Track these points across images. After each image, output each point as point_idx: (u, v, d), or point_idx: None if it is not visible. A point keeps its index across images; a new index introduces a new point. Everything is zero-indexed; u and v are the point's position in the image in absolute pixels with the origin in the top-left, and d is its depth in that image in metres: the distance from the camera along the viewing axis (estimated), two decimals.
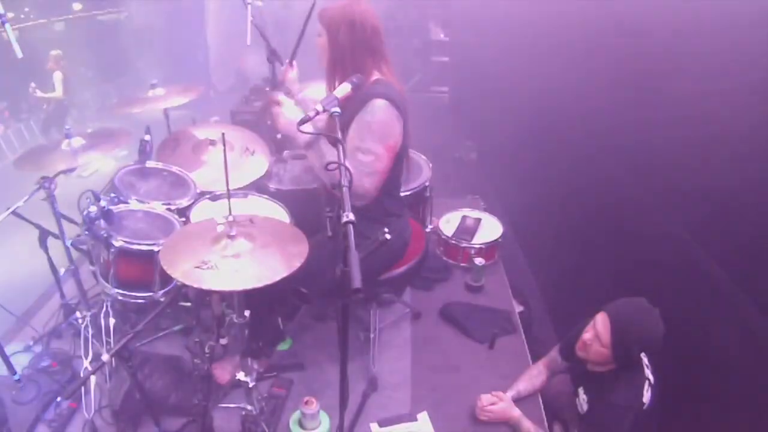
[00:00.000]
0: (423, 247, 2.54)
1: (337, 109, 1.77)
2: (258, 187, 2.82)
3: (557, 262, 3.53)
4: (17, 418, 2.28)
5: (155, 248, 2.35)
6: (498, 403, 2.33)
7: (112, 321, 2.48)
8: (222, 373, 2.43)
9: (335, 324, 1.90)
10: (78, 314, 2.66)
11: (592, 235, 3.01)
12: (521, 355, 2.77)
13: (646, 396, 1.98)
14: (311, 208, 2.52)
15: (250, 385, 2.09)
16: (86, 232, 2.40)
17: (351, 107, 2.04)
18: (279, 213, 2.61)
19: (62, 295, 2.75)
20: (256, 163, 2.85)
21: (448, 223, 3.49)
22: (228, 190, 1.84)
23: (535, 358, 2.63)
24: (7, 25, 2.06)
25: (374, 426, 2.34)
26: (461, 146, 5.78)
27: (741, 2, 1.96)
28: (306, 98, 2.61)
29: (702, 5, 2.14)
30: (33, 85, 6.06)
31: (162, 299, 2.42)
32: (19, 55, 2.07)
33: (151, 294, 2.45)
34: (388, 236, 1.60)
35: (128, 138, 2.58)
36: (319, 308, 2.90)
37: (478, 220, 3.51)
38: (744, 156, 1.86)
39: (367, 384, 2.52)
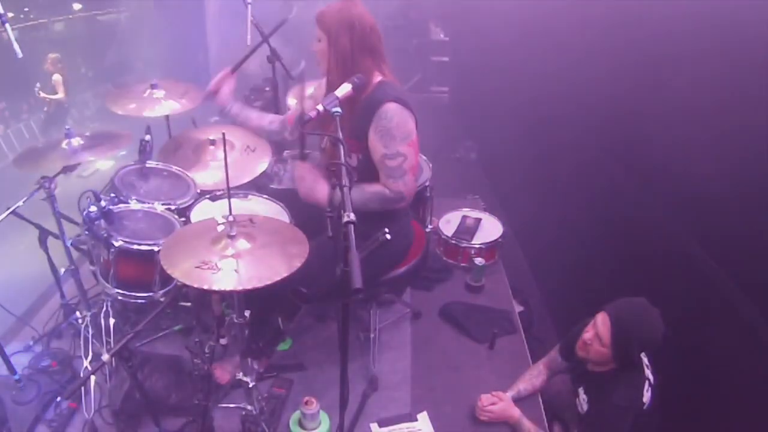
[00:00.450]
0: (423, 247, 2.54)
1: (338, 109, 1.78)
2: (258, 186, 2.82)
3: (557, 262, 3.53)
4: (17, 418, 2.28)
5: (155, 248, 2.35)
6: (498, 403, 2.33)
7: (112, 321, 2.48)
8: (222, 373, 2.43)
9: (335, 324, 1.90)
10: (78, 314, 2.66)
11: (592, 235, 3.01)
12: (521, 355, 2.77)
13: (646, 396, 1.98)
14: (311, 208, 2.51)
15: (250, 385, 2.09)
16: (86, 232, 2.40)
17: (359, 112, 2.04)
18: (279, 213, 2.61)
19: (62, 295, 2.75)
20: (257, 162, 2.84)
21: (448, 223, 3.49)
22: (228, 190, 1.84)
23: (535, 358, 2.63)
24: (7, 25, 2.05)
25: (374, 426, 2.34)
26: (461, 146, 5.78)
27: (742, 4, 1.96)
28: (241, 113, 2.77)
29: (703, 7, 2.14)
30: (38, 85, 6.09)
31: (162, 299, 2.42)
32: (19, 55, 2.07)
33: (151, 294, 2.44)
34: (388, 236, 1.60)
35: (129, 140, 2.57)
36: (319, 308, 2.90)
37: (478, 220, 3.51)
38: (744, 156, 1.86)
39: (367, 384, 2.52)
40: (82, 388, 2.28)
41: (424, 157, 3.22)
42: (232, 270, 1.72)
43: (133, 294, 2.44)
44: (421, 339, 2.87)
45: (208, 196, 2.68)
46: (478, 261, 3.16)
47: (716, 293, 1.99)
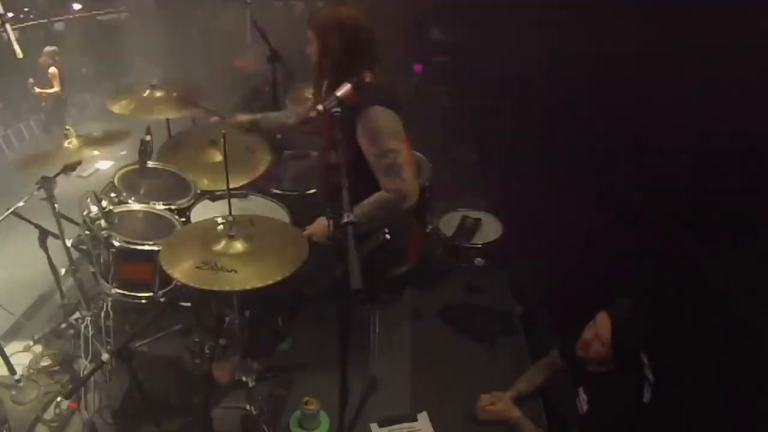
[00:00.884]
0: (423, 247, 2.54)
1: (338, 109, 1.78)
2: (258, 187, 2.82)
3: (557, 262, 3.53)
4: (17, 418, 2.28)
5: (155, 248, 2.35)
6: (498, 403, 2.33)
7: (112, 321, 2.48)
8: (222, 373, 2.42)
9: (335, 324, 1.90)
10: (78, 314, 2.66)
11: (592, 234, 3.01)
12: (521, 355, 2.77)
13: (646, 396, 1.98)
14: (311, 209, 2.52)
15: (250, 386, 2.09)
16: (86, 232, 2.40)
17: (349, 111, 2.04)
18: (279, 213, 2.61)
19: (62, 295, 2.75)
20: (257, 162, 2.84)
21: (448, 223, 3.49)
22: (228, 190, 1.85)
23: (535, 358, 2.63)
24: (7, 26, 2.06)
25: (374, 426, 2.34)
26: (461, 146, 5.77)
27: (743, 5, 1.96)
28: (263, 122, 2.73)
29: (703, 9, 2.14)
30: (31, 80, 6.04)
31: (162, 299, 2.42)
32: (20, 55, 2.07)
33: (151, 294, 2.44)
34: (387, 236, 1.60)
35: (128, 137, 2.57)
36: (319, 308, 2.89)
37: (478, 220, 3.51)
38: (744, 156, 1.86)
39: (367, 384, 2.52)
40: (82, 388, 2.27)
41: (424, 157, 3.22)
42: (231, 270, 1.72)
43: (133, 294, 2.44)
44: (421, 339, 2.87)
45: (208, 196, 2.68)
46: (478, 261, 3.15)
47: (716, 293, 1.99)
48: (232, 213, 1.93)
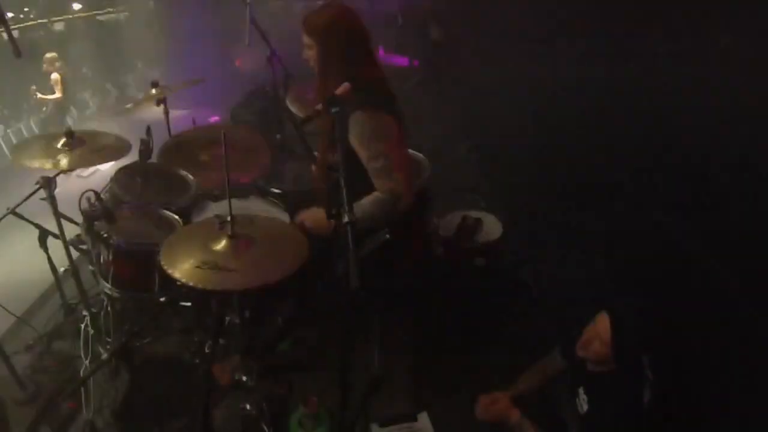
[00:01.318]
0: (423, 247, 2.54)
1: (337, 108, 1.78)
2: (258, 187, 2.82)
3: (558, 262, 3.53)
4: (17, 418, 2.28)
5: (155, 248, 2.35)
6: (498, 403, 2.33)
7: (112, 321, 2.47)
8: (222, 373, 2.42)
9: (335, 324, 1.90)
10: (78, 314, 2.66)
11: (592, 234, 3.01)
12: (521, 355, 2.76)
13: (646, 396, 1.98)
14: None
15: (250, 385, 2.09)
16: (86, 232, 2.40)
17: (342, 115, 2.05)
18: (279, 213, 2.61)
19: (62, 295, 2.75)
20: (257, 162, 2.84)
21: (448, 223, 3.48)
22: (228, 190, 1.84)
23: (536, 358, 2.63)
24: (6, 26, 2.06)
25: (374, 426, 2.34)
26: (461, 146, 5.78)
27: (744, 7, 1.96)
28: None
29: (704, 10, 2.14)
30: (33, 87, 6.06)
31: (162, 299, 2.42)
32: (18, 55, 2.07)
33: (151, 294, 2.44)
34: (387, 236, 1.60)
35: (129, 151, 2.57)
36: (319, 308, 2.89)
37: (478, 220, 3.51)
38: (744, 156, 1.86)
39: (367, 384, 2.52)
40: (82, 388, 2.27)
41: (424, 157, 3.22)
42: (232, 270, 1.72)
43: (133, 294, 2.44)
44: (421, 339, 2.87)
45: (208, 196, 2.68)
46: (478, 261, 3.15)
47: (716, 293, 1.99)
48: (232, 213, 1.93)
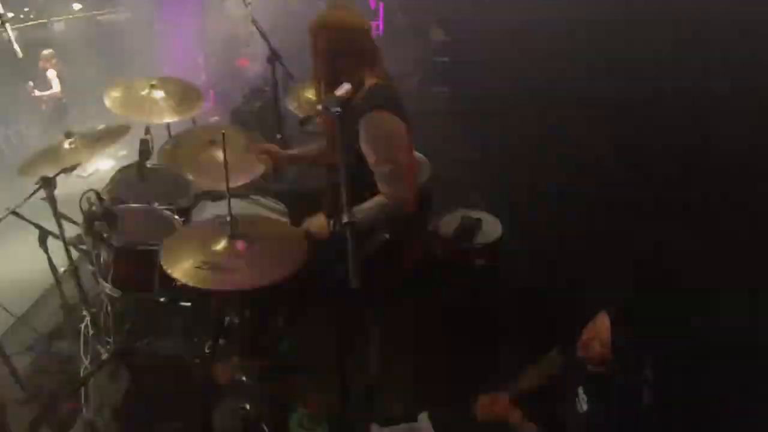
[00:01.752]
0: (423, 247, 2.54)
1: (338, 109, 1.78)
2: (258, 187, 2.82)
3: (557, 262, 3.53)
4: (17, 418, 2.28)
5: (155, 248, 2.35)
6: (498, 403, 2.33)
7: (112, 321, 2.47)
8: (222, 373, 2.42)
9: (335, 324, 1.91)
10: (78, 314, 2.66)
11: (592, 235, 3.01)
12: (521, 355, 2.76)
13: (646, 396, 1.98)
14: (311, 209, 2.52)
15: (250, 385, 2.09)
16: (86, 232, 2.40)
17: (350, 115, 2.04)
18: (279, 213, 2.61)
19: (62, 295, 2.75)
20: (257, 162, 2.84)
21: (448, 224, 3.48)
22: (228, 190, 1.85)
23: (536, 358, 2.63)
24: (7, 25, 2.06)
25: (374, 426, 2.34)
26: (461, 146, 5.77)
27: (745, 7, 1.96)
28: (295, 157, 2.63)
29: (703, 9, 2.14)
30: (31, 84, 6.05)
31: (162, 299, 2.42)
32: (20, 55, 2.07)
33: (151, 294, 2.44)
34: (387, 236, 1.61)
35: (127, 130, 2.57)
36: (319, 308, 2.89)
37: (478, 220, 3.51)
38: (744, 156, 1.86)
39: (368, 384, 2.52)
40: (82, 388, 2.28)
41: (424, 157, 3.21)
42: (232, 270, 1.72)
43: (133, 294, 2.44)
44: (421, 339, 2.87)
45: (208, 196, 2.68)
46: (478, 261, 3.15)
47: (716, 293, 1.99)
48: (232, 213, 1.93)
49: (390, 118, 2.05)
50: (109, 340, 2.44)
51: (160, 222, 2.54)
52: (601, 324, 1.98)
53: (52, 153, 2.47)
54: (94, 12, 7.32)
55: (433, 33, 7.30)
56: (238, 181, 2.67)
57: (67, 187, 2.51)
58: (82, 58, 6.99)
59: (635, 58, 2.57)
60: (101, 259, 2.44)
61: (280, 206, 2.66)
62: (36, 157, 2.52)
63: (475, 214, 3.58)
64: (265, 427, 2.17)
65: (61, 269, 2.60)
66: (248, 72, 6.22)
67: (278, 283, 1.69)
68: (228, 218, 1.84)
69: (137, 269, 2.40)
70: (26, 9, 6.59)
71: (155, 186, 2.75)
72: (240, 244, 1.81)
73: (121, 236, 2.36)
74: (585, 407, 2.12)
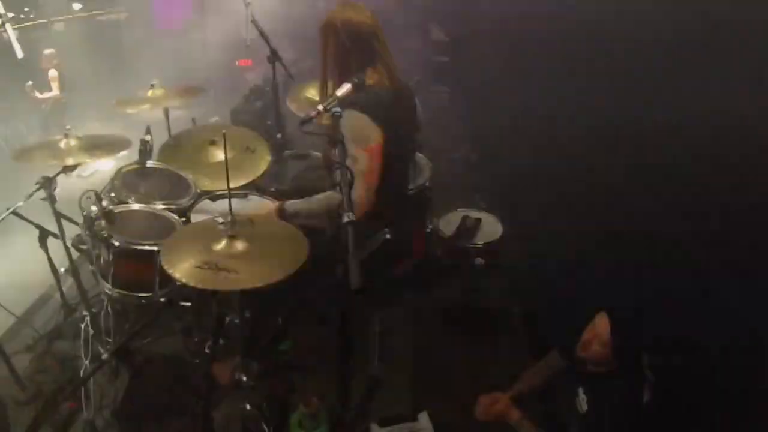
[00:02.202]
0: (423, 247, 2.54)
1: (338, 109, 1.78)
2: (258, 187, 2.82)
3: (557, 262, 3.53)
4: (17, 418, 2.28)
5: (155, 248, 2.35)
6: (498, 403, 2.33)
7: (112, 321, 2.48)
8: (222, 373, 2.42)
9: (335, 324, 1.91)
10: (78, 314, 2.66)
11: (592, 234, 3.01)
12: (521, 355, 2.77)
13: (646, 396, 1.98)
14: None
15: (250, 385, 2.09)
16: (86, 232, 2.40)
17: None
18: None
19: (62, 295, 2.75)
20: (257, 162, 2.84)
21: (448, 223, 3.48)
22: (228, 190, 1.85)
23: (535, 358, 2.63)
24: (7, 25, 2.06)
25: (374, 426, 2.34)
26: (461, 146, 5.78)
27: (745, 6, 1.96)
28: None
29: (703, 8, 2.14)
30: (30, 83, 6.04)
31: (162, 299, 2.42)
32: (20, 55, 2.07)
33: (151, 294, 2.44)
34: (388, 236, 1.61)
35: (127, 145, 2.57)
36: (319, 308, 2.89)
37: (478, 220, 3.51)
38: (744, 156, 1.86)
39: (367, 384, 2.52)
40: (82, 388, 2.28)
41: (424, 157, 3.22)
42: (232, 270, 1.72)
43: (133, 294, 2.44)
44: (421, 339, 2.87)
45: (208, 196, 2.68)
46: (478, 261, 3.15)
47: (716, 293, 1.99)
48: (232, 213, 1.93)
49: (360, 117, 2.04)
50: (109, 340, 2.44)
51: (160, 222, 2.54)
52: (601, 324, 1.98)
53: (49, 147, 2.46)
54: (94, 12, 7.32)
55: (433, 33, 7.30)
56: (238, 182, 2.68)
57: (67, 187, 2.51)
58: (82, 58, 6.98)
59: (636, 57, 2.57)
60: (101, 259, 2.44)
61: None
62: (33, 147, 2.51)
63: (475, 213, 3.58)
64: (265, 427, 2.17)
65: (61, 269, 2.60)
66: (248, 72, 6.23)
67: (278, 283, 1.69)
68: (228, 218, 1.84)
69: (137, 269, 2.41)
70: (26, 9, 6.59)
71: (155, 186, 2.75)
72: (240, 244, 1.81)
73: (121, 236, 2.36)
74: (585, 407, 2.12)
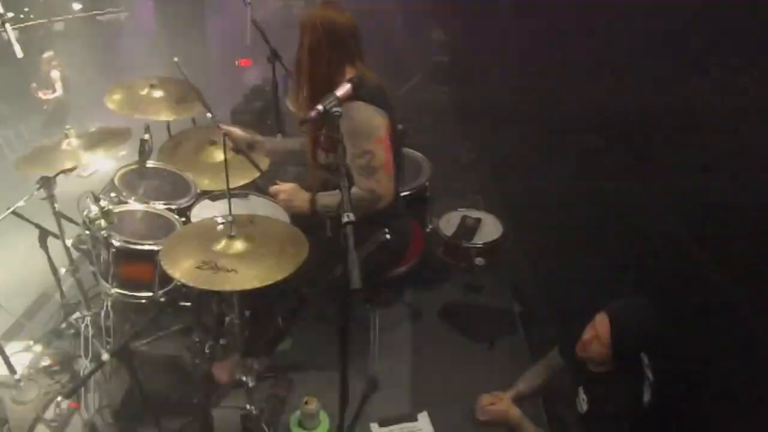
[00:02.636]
0: (423, 247, 2.54)
1: (338, 109, 1.78)
2: (258, 187, 2.82)
3: (557, 262, 3.53)
4: (17, 418, 2.28)
5: (155, 248, 2.35)
6: (498, 403, 2.33)
7: (112, 321, 2.47)
8: (222, 373, 2.43)
9: (335, 324, 1.91)
10: (78, 314, 2.66)
11: (592, 234, 3.01)
12: (521, 355, 2.77)
13: (646, 396, 1.98)
14: None
15: (250, 385, 2.09)
16: (86, 232, 2.40)
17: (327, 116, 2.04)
18: (279, 213, 2.61)
19: (62, 295, 2.75)
20: (257, 162, 2.84)
21: (448, 223, 3.48)
22: (228, 190, 1.85)
23: (535, 358, 2.63)
24: (7, 25, 2.06)
25: (374, 426, 2.34)
26: (461, 146, 5.78)
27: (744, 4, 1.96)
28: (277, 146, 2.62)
29: (704, 7, 2.14)
30: (34, 85, 6.06)
31: (162, 299, 2.42)
32: (20, 55, 2.07)
33: (151, 294, 2.44)
34: (387, 236, 1.60)
35: (129, 135, 2.57)
36: (319, 308, 2.89)
37: (478, 220, 3.51)
38: (744, 156, 1.86)
39: (367, 384, 2.52)
40: (82, 388, 2.27)
41: (424, 157, 3.22)
42: (231, 270, 1.72)
43: (133, 294, 2.44)
44: (421, 339, 2.87)
45: (208, 196, 2.68)
46: (478, 261, 3.15)
47: (716, 293, 1.99)
48: (232, 213, 1.93)
49: (367, 108, 2.03)
50: (109, 340, 2.44)
51: (160, 222, 2.54)
52: (601, 324, 1.98)
53: (49, 151, 2.46)
54: (94, 12, 7.32)
55: (434, 33, 7.30)
56: (238, 182, 2.68)
57: (67, 187, 2.51)
58: (82, 58, 6.99)
59: (637, 55, 2.57)
60: (101, 259, 2.44)
61: (280, 206, 2.66)
62: (33, 153, 2.51)
63: (475, 213, 3.58)
64: (265, 427, 2.17)
65: (61, 269, 2.59)
66: (248, 72, 6.22)
67: (278, 283, 1.69)
68: (228, 218, 1.84)
69: (137, 269, 2.41)
70: (26, 9, 6.59)
71: (155, 186, 2.75)
72: (240, 244, 1.81)
73: (121, 236, 2.36)
74: (585, 407, 2.12)
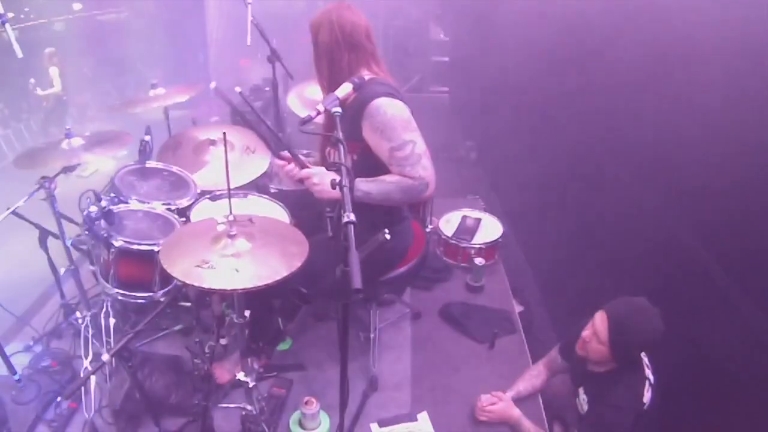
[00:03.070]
0: (423, 247, 2.54)
1: (338, 109, 1.78)
2: (258, 186, 2.82)
3: (557, 262, 3.53)
4: (17, 418, 2.28)
5: (155, 248, 2.35)
6: (498, 403, 2.33)
7: (112, 321, 2.48)
8: (222, 373, 2.43)
9: (335, 324, 1.90)
10: (78, 314, 2.66)
11: (592, 234, 3.01)
12: (521, 355, 2.77)
13: (646, 396, 1.98)
14: (311, 208, 2.52)
15: (250, 385, 2.09)
16: (86, 232, 2.40)
17: (350, 112, 2.03)
18: (279, 213, 2.61)
19: (62, 295, 2.75)
20: (257, 162, 2.84)
21: (448, 223, 3.49)
22: (228, 189, 1.85)
23: (535, 358, 2.63)
24: (7, 25, 2.06)
25: (374, 426, 2.34)
26: (461, 146, 5.78)
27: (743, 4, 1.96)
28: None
29: (703, 6, 2.14)
30: (32, 81, 6.08)
31: (162, 299, 2.42)
32: (20, 55, 2.07)
33: (151, 294, 2.45)
34: (388, 236, 1.60)
35: (129, 140, 2.57)
36: (319, 308, 2.90)
37: (478, 220, 3.51)
38: (744, 155, 1.86)
39: (367, 384, 2.53)
40: (82, 388, 2.27)
41: None
42: (232, 270, 1.72)
43: (133, 294, 2.44)
44: (421, 339, 2.87)
45: (208, 196, 2.68)
46: (478, 261, 3.16)
47: (716, 293, 1.99)
48: (232, 213, 1.93)
49: (397, 103, 2.03)
50: (109, 340, 2.44)
51: (160, 222, 2.54)
52: (600, 323, 1.98)
53: (49, 150, 2.46)
54: (94, 12, 7.33)
55: (434, 33, 7.31)
56: (238, 181, 2.68)
57: (67, 187, 2.51)
58: (83, 58, 7.00)
59: (637, 57, 2.57)
60: (101, 259, 2.45)
61: (280, 205, 2.67)
62: (33, 151, 2.51)
63: (475, 214, 3.59)
64: (265, 427, 2.17)
65: (61, 269, 2.60)
66: (248, 72, 6.23)
67: (278, 283, 1.69)
68: (228, 218, 1.84)
69: (137, 269, 2.41)
70: (26, 9, 6.59)
71: (155, 186, 2.75)
72: (241, 244, 1.81)
73: (121, 236, 2.36)
74: (585, 407, 2.12)
